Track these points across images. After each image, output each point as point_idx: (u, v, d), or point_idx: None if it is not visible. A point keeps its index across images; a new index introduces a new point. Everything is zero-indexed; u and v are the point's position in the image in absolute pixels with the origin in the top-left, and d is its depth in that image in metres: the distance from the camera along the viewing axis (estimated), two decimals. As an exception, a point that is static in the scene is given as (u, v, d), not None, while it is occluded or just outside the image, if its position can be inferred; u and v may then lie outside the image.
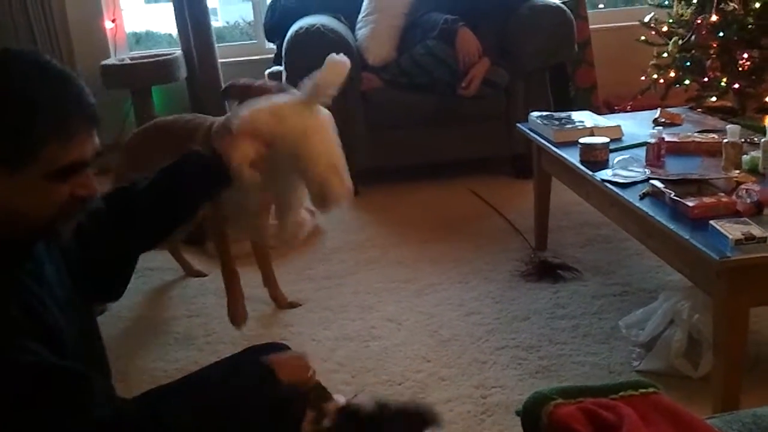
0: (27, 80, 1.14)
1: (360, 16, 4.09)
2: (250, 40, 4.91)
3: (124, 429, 1.15)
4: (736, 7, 3.77)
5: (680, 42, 3.98)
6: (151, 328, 2.71)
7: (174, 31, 4.48)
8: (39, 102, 1.13)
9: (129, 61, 4.28)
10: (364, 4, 4.12)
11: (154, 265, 3.11)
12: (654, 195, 2.14)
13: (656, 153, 2.40)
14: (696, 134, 2.63)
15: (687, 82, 4.02)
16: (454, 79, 3.76)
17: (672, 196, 2.05)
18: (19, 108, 1.12)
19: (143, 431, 1.17)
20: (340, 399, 1.52)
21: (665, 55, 4.07)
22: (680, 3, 4.03)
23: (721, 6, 3.80)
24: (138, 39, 5.03)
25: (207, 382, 1.35)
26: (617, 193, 2.23)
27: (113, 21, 4.48)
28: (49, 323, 1.19)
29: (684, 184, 2.13)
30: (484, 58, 3.75)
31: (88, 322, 1.42)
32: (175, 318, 2.76)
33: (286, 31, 3.85)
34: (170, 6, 4.36)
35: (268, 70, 4.21)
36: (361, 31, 4.01)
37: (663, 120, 2.86)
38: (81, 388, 1.14)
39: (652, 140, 2.41)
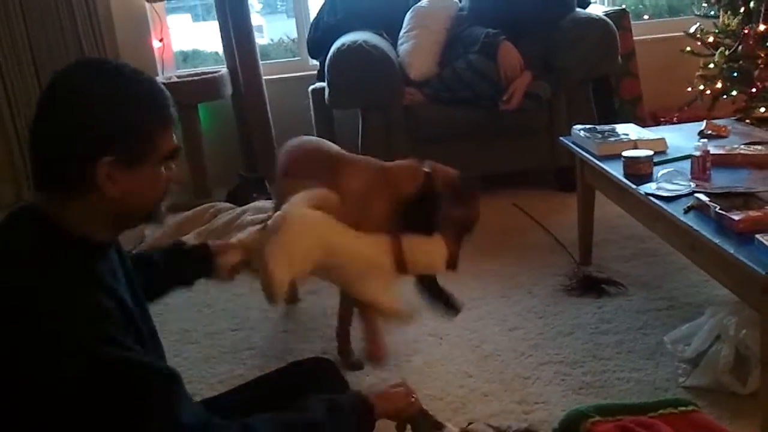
0: (127, 80, 1.24)
1: (402, 32, 4.11)
2: (294, 57, 4.97)
3: None
4: (785, 16, 3.70)
5: (727, 52, 3.91)
6: (195, 341, 2.75)
7: (220, 49, 4.56)
8: (143, 97, 1.25)
9: (176, 79, 4.36)
10: (406, 20, 4.14)
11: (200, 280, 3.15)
12: (699, 209, 2.10)
13: (701, 166, 2.36)
14: (743, 146, 2.58)
15: (734, 93, 3.95)
16: (496, 93, 3.76)
17: (717, 209, 2.02)
18: (132, 106, 1.23)
19: None
20: (453, 429, 1.54)
21: (712, 66, 4.01)
22: (727, 13, 3.97)
23: (769, 15, 3.74)
24: (185, 57, 5.12)
25: (304, 416, 1.37)
26: (661, 207, 2.20)
27: (161, 40, 4.57)
28: (134, 318, 1.25)
29: (730, 198, 2.10)
30: (526, 71, 3.74)
31: (154, 328, 1.47)
32: (219, 331, 2.80)
33: (329, 48, 3.88)
34: (216, 24, 4.44)
35: (311, 87, 4.25)
36: (403, 47, 4.03)
37: (709, 132, 2.82)
38: (172, 390, 1.18)
39: (697, 153, 2.38)
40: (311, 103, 4.25)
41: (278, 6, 5.67)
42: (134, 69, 1.29)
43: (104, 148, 1.21)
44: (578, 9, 4.03)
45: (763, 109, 3.83)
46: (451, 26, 4.03)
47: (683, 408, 1.05)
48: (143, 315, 1.36)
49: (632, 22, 4.44)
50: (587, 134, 2.83)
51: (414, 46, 3.99)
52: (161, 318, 2.92)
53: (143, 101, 1.25)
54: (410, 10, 4.16)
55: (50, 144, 1.23)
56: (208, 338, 2.75)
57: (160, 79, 4.36)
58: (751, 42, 3.79)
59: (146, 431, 1.15)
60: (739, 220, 1.94)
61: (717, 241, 1.92)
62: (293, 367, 1.75)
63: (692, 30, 4.16)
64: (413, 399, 1.55)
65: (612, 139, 2.76)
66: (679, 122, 3.71)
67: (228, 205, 3.94)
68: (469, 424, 1.55)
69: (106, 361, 1.12)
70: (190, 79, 4.34)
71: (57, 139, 1.22)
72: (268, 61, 4.79)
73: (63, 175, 1.22)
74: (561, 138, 3.03)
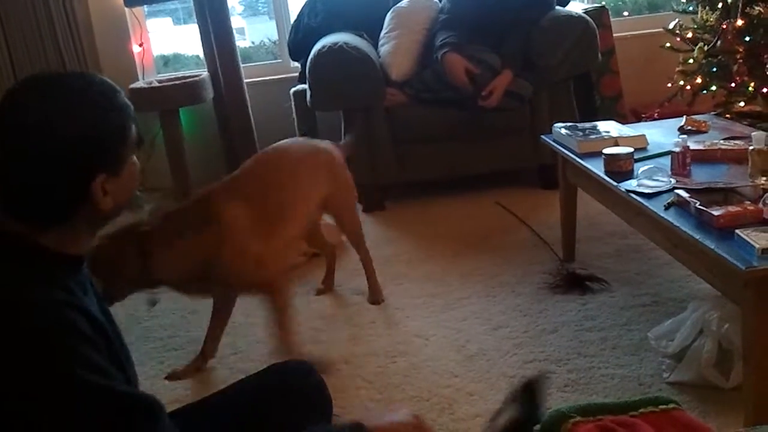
0: (81, 92, 1.21)
1: (382, 33, 4.11)
2: (276, 59, 4.96)
3: None
4: (762, 10, 3.73)
5: (706, 48, 3.94)
6: (180, 347, 2.74)
7: (201, 52, 4.54)
8: (102, 101, 1.22)
9: (157, 84, 4.35)
10: (387, 20, 4.14)
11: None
12: (679, 205, 2.12)
13: (681, 162, 2.37)
14: (722, 142, 2.59)
15: (714, 87, 3.98)
16: (477, 93, 3.76)
17: (697, 205, 2.03)
18: (100, 114, 1.20)
19: None
20: None
21: (691, 61, 4.04)
22: (705, 8, 4.00)
23: (746, 10, 3.76)
24: (166, 61, 5.10)
25: None
26: (642, 204, 2.21)
27: (141, 45, 4.55)
28: (108, 335, 1.22)
29: (709, 193, 2.11)
30: (506, 70, 3.75)
31: (122, 339, 1.42)
32: (203, 337, 2.79)
33: (310, 50, 3.88)
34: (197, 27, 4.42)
35: (292, 89, 4.25)
36: (384, 48, 4.03)
37: (688, 128, 2.83)
38: (152, 420, 1.14)
39: (677, 149, 2.39)
40: (293, 106, 4.25)
41: (260, 8, 5.65)
42: (77, 74, 1.27)
43: (94, 169, 1.19)
44: (558, 7, 4.04)
45: (742, 104, 3.86)
46: (430, 26, 4.03)
47: (664, 406, 1.05)
48: (112, 327, 1.32)
49: (612, 19, 4.45)
50: (568, 132, 2.84)
51: (395, 47, 3.99)
52: (145, 324, 2.92)
53: (105, 104, 1.22)
54: (390, 11, 4.16)
55: (27, 176, 1.16)
56: (193, 343, 2.74)
57: (140, 84, 4.35)
58: (729, 37, 3.81)
59: None
60: (719, 216, 1.95)
61: (697, 236, 1.93)
62: (273, 370, 1.72)
63: (671, 26, 4.19)
64: None
65: (593, 136, 2.77)
66: (660, 118, 3.72)
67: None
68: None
69: (85, 389, 1.08)
70: (171, 83, 4.32)
71: (35, 172, 1.16)
72: (249, 64, 4.78)
73: (49, 205, 1.18)
74: (542, 136, 3.04)
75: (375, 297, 2.94)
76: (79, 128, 1.17)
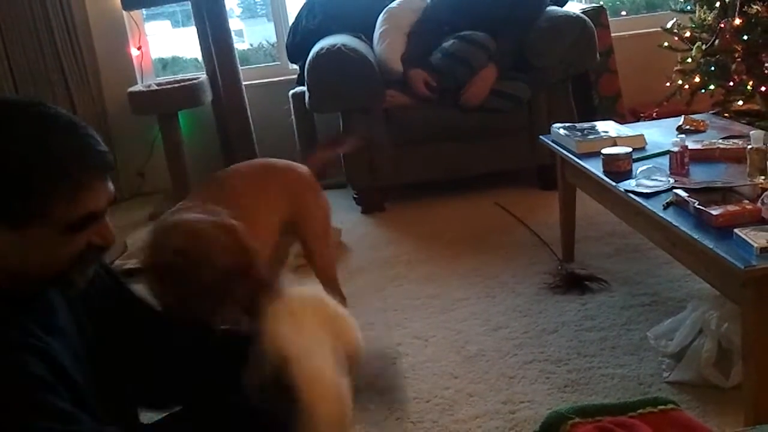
0: (28, 140, 1.10)
1: (376, 33, 4.10)
2: (274, 61, 4.96)
3: None
4: (760, 9, 3.72)
5: (704, 47, 3.93)
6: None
7: (199, 55, 4.54)
8: (40, 162, 1.10)
9: (155, 87, 4.34)
10: (379, 21, 4.12)
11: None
12: (678, 204, 2.12)
13: (680, 161, 2.38)
14: (720, 141, 2.60)
15: (712, 87, 3.97)
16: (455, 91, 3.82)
17: (696, 204, 2.03)
18: (20, 169, 1.09)
19: None
20: None
21: (689, 60, 4.03)
22: (703, 8, 3.99)
23: (744, 9, 3.76)
24: (165, 64, 5.09)
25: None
26: (641, 204, 2.21)
27: (139, 48, 4.55)
28: (68, 372, 1.15)
29: (708, 193, 2.11)
30: (490, 65, 3.75)
31: (113, 378, 1.34)
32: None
33: (309, 52, 3.88)
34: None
35: (291, 91, 4.25)
36: (378, 48, 4.02)
37: (687, 127, 2.84)
38: None
39: (676, 149, 2.39)
40: (292, 108, 4.25)
41: (258, 10, 5.65)
42: (55, 131, 1.12)
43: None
44: (555, 7, 4.05)
45: (741, 102, 3.86)
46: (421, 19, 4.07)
47: (662, 407, 1.05)
48: (91, 367, 1.24)
49: (610, 19, 4.46)
50: (567, 132, 2.84)
51: (388, 45, 3.98)
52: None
53: (41, 169, 1.09)
54: (383, 11, 4.15)
55: None
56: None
57: (139, 87, 4.35)
58: (727, 36, 3.81)
59: None
60: (717, 215, 1.95)
61: (696, 236, 1.93)
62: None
63: (669, 25, 4.18)
64: None
65: (591, 136, 2.77)
66: (658, 117, 3.72)
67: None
68: None
69: None
70: (169, 86, 4.32)
71: None
72: (247, 66, 4.78)
73: None
74: (541, 137, 3.04)
75: None
76: None
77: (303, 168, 2.52)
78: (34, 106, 1.14)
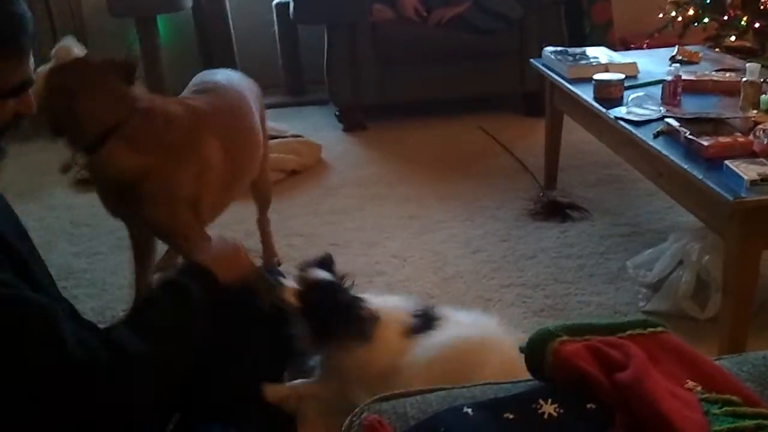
0: None
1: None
2: (259, -32, 4.78)
3: (96, 371, 1.12)
4: (760, -59, 3.64)
5: (700, -22, 3.85)
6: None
7: (180, -42, 4.35)
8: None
9: (134, -12, 4.17)
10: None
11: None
12: (668, 134, 2.08)
13: (672, 91, 2.33)
14: (714, 73, 2.55)
15: (706, 20, 3.90)
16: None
17: (687, 135, 2.00)
18: None
19: (115, 373, 1.14)
20: (290, 283, 1.59)
21: (684, -9, 3.95)
22: (702, -63, 3.89)
23: (744, -59, 3.67)
24: (144, -34, 4.90)
25: (157, 309, 1.31)
26: (631, 131, 2.18)
27: (117, -55, 4.35)
28: (8, 240, 1.18)
29: (700, 123, 2.08)
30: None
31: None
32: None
33: (294, -41, 3.74)
34: (176, -69, 4.23)
35: (275, 0, 4.11)
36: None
37: (680, 58, 2.79)
38: (49, 322, 1.11)
39: (669, 78, 2.35)
40: (275, 18, 4.12)
41: None
42: None
43: None
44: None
45: (733, 38, 3.80)
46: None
47: (652, 329, 1.03)
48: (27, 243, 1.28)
49: (606, -57, 4.33)
50: (558, 57, 2.78)
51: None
52: (119, 234, 2.86)
53: None
54: None
55: None
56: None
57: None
58: (725, -32, 3.73)
59: (29, 363, 1.08)
60: (708, 146, 1.92)
61: (686, 166, 1.90)
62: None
63: (666, -47, 4.08)
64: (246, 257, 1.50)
65: (583, 62, 2.71)
66: (649, 48, 3.66)
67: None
68: (301, 270, 1.64)
69: None
70: (148, -12, 4.14)
71: None
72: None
73: None
74: (532, 60, 2.97)
75: (270, 258, 2.55)
76: None
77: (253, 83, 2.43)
78: None
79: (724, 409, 0.96)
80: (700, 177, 1.84)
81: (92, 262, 2.65)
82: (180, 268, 1.46)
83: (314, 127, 3.82)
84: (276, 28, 4.14)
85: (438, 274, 2.50)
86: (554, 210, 2.85)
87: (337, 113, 3.96)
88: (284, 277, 1.67)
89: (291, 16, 3.80)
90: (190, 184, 1.95)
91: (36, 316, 1.09)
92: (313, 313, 1.58)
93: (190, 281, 1.33)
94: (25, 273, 1.18)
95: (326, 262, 1.70)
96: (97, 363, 1.11)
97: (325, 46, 3.76)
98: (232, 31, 4.25)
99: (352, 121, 3.88)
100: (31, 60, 1.19)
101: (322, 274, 1.63)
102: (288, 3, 3.83)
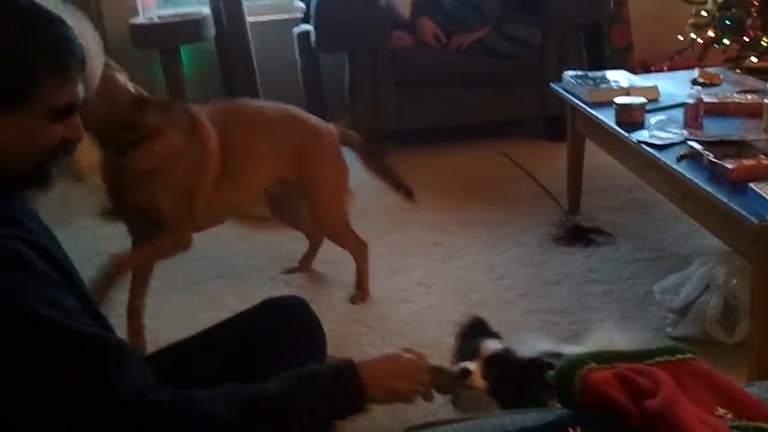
0: (25, 25, 1.11)
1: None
2: (279, -2, 4.84)
3: (149, 419, 1.08)
4: (779, -38, 3.64)
5: (719, 0, 3.85)
6: (179, 288, 2.71)
7: (202, -10, 4.43)
8: (36, 42, 1.12)
9: (157, 21, 4.24)
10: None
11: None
12: (692, 157, 2.08)
13: (694, 114, 2.33)
14: (735, 95, 2.55)
15: (726, 41, 3.89)
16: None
17: (710, 158, 1.99)
18: (18, 47, 1.10)
19: (173, 426, 1.10)
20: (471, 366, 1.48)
21: (704, 13, 3.94)
22: (720, -41, 3.89)
23: (763, -39, 3.67)
24: (166, -2, 4.98)
25: (270, 389, 1.20)
26: (654, 155, 2.17)
27: (141, -21, 4.44)
28: (66, 269, 1.16)
29: (723, 146, 2.08)
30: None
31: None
32: (203, 280, 2.77)
33: (315, -11, 3.78)
34: (199, -36, 4.32)
35: (296, 29, 4.16)
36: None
37: (701, 80, 2.79)
38: (107, 362, 1.07)
39: (691, 101, 2.34)
40: (296, 47, 4.16)
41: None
42: (45, 17, 1.15)
43: None
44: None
45: (754, 59, 3.79)
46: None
47: (680, 356, 1.02)
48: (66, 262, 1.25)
49: (625, -32, 4.35)
50: (578, 81, 2.79)
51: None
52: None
53: (37, 48, 1.11)
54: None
55: None
56: (193, 285, 2.71)
57: (140, 20, 4.25)
58: (743, -11, 3.73)
59: (82, 402, 1.05)
60: (732, 169, 1.91)
61: (710, 189, 1.90)
62: (268, 303, 1.64)
63: (684, -24, 4.08)
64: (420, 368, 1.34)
65: (603, 86, 2.72)
66: (669, 71, 3.65)
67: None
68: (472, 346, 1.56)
69: (42, 325, 1.03)
70: (172, 20, 4.22)
71: None
72: (252, 2, 4.67)
73: None
74: (552, 84, 2.98)
75: (358, 294, 2.56)
76: None
77: (324, 126, 2.50)
78: None
79: (755, 436, 0.95)
80: (725, 200, 1.83)
81: (118, 292, 2.67)
82: (338, 362, 1.31)
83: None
84: (297, 56, 4.18)
85: (463, 300, 2.50)
86: (578, 235, 2.84)
87: (359, 140, 3.97)
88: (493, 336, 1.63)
89: (313, 44, 3.83)
90: (190, 163, 2.20)
91: (109, 353, 1.08)
92: (505, 389, 1.48)
93: (335, 386, 1.22)
94: (85, 302, 1.17)
95: (481, 325, 1.67)
96: (157, 410, 1.08)
97: (347, 74, 3.79)
98: (254, 59, 4.30)
99: (374, 148, 3.89)
100: (81, 87, 1.18)
101: (493, 345, 1.56)
102: (309, 32, 3.87)
